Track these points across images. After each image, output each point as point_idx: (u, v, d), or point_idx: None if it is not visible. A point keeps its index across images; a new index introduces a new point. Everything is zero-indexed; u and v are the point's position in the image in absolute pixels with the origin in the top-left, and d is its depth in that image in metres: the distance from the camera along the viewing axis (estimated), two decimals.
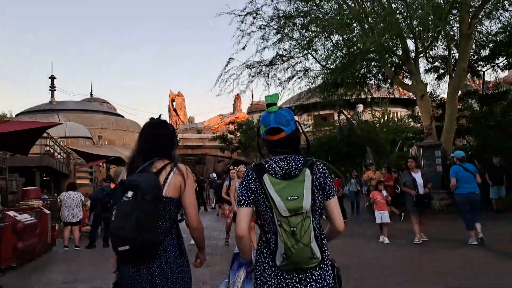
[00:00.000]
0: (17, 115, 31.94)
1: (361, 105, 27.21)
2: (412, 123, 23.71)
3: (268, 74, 17.45)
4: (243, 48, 16.68)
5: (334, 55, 14.65)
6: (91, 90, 41.35)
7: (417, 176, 8.03)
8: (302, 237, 1.84)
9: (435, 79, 15.52)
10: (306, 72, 17.02)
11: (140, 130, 2.49)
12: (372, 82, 17.16)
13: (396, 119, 24.81)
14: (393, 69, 14.70)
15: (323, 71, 16.27)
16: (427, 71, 15.64)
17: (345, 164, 23.23)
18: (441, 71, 15.61)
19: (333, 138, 22.93)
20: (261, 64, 17.13)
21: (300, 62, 16.93)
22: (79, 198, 10.09)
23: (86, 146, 22.76)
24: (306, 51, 15.85)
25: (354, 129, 19.13)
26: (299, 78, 17.22)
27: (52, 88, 32.14)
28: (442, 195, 11.87)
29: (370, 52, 13.45)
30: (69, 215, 9.82)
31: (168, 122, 2.53)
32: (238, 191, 2.05)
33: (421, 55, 14.44)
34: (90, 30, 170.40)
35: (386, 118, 23.48)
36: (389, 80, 16.17)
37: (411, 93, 22.22)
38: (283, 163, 2.03)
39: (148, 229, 2.05)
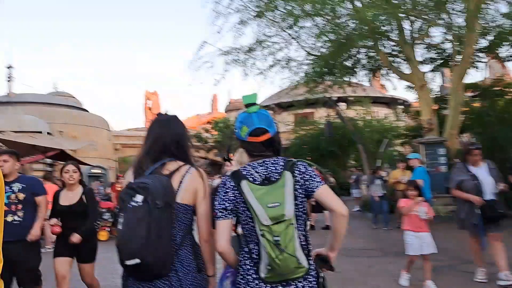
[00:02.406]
0: None
1: (344, 103, 25.84)
2: (396, 123, 22.69)
3: (246, 63, 15.57)
4: (218, 32, 14.89)
5: (320, 40, 12.93)
6: (54, 83, 38.70)
7: (481, 172, 5.02)
8: (287, 246, 1.74)
9: (433, 70, 13.81)
10: (289, 62, 15.24)
11: (148, 127, 2.18)
12: (361, 74, 15.39)
13: (378, 118, 23.56)
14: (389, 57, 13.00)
15: (308, 58, 14.53)
16: (421, 62, 13.96)
17: (328, 164, 21.72)
18: (438, 61, 13.96)
19: (315, 137, 21.37)
20: (239, 51, 15.23)
21: (282, 49, 15.14)
22: None
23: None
24: (289, 36, 14.10)
25: (345, 123, 17.41)
26: (281, 67, 15.43)
27: (9, 79, 29.69)
28: (447, 199, 10.18)
29: (362, 38, 11.80)
30: None
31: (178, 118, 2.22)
32: (215, 202, 1.92)
33: (419, 41, 12.80)
34: (61, 23, 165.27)
35: (370, 117, 22.20)
36: (380, 70, 14.49)
37: (392, 92, 21.25)
38: (261, 167, 1.93)
39: (160, 239, 1.81)
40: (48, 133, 23.40)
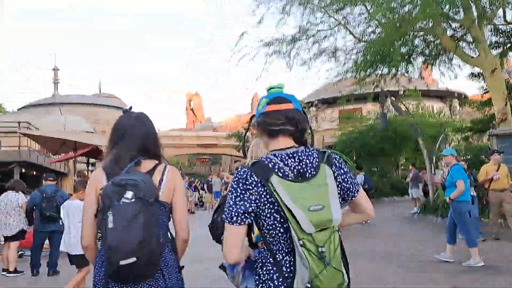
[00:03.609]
0: (19, 109, 30.48)
1: (393, 98, 24.20)
2: (453, 117, 20.90)
3: (290, 54, 14.55)
4: (259, 22, 14.00)
5: (373, 23, 11.72)
6: (100, 84, 39.75)
7: None
8: (332, 259, 1.44)
9: (502, 55, 12.11)
10: (336, 51, 14.08)
11: (117, 122, 2.07)
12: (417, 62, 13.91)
13: (432, 112, 21.81)
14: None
15: (357, 46, 13.30)
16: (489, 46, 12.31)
17: (378, 163, 20.28)
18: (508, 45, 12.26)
19: (363, 133, 19.95)
20: (281, 41, 14.23)
21: (327, 37, 14.01)
22: (16, 201, 7.05)
23: None
24: (336, 22, 12.97)
25: (403, 115, 15.91)
26: (327, 57, 14.29)
27: (56, 80, 30.51)
28: None
29: (424, 18, 10.45)
30: (2, 226, 6.98)
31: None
32: (230, 201, 1.54)
33: (486, 22, 11.25)
34: (103, 27, 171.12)
35: (421, 111, 20.48)
36: (440, 57, 12.97)
37: (447, 85, 19.49)
38: (292, 160, 1.58)
39: (152, 237, 1.74)
40: (90, 132, 23.49)
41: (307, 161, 1.58)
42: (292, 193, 1.46)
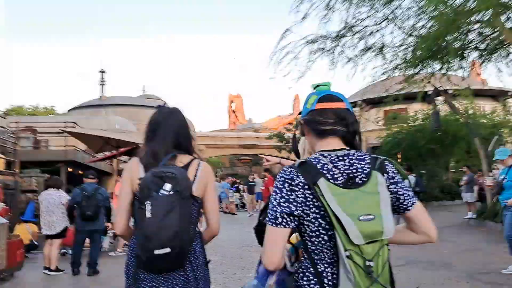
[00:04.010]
0: (69, 111, 31.75)
1: (441, 97, 23.04)
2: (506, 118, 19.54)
3: (334, 51, 14.06)
4: (303, 18, 13.60)
5: (425, 15, 11.04)
6: (144, 87, 40.80)
7: None
8: (380, 275, 1.30)
9: None
10: (384, 47, 13.45)
11: (151, 117, 2.14)
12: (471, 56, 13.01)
13: (484, 112, 20.56)
14: None
15: (406, 42, 12.63)
16: None
17: (427, 164, 19.26)
18: None
19: (411, 134, 19.06)
20: (326, 38, 13.76)
21: (374, 33, 13.42)
22: (59, 199, 6.93)
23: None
24: (384, 17, 12.37)
25: (458, 114, 14.98)
26: (374, 54, 13.68)
27: (102, 83, 31.56)
28: None
29: (477, 11, 9.72)
30: (46, 224, 6.93)
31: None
32: (274, 202, 1.44)
33: None
34: (147, 27, 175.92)
35: (473, 111, 19.30)
36: (500, 51, 12.03)
37: (499, 83, 18.23)
38: (342, 163, 1.45)
39: (185, 230, 1.81)
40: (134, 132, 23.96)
41: (358, 165, 1.45)
42: (340, 199, 1.33)
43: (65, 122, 15.65)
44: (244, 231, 10.65)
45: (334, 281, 1.35)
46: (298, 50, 13.91)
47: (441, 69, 12.26)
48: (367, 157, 1.48)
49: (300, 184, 1.41)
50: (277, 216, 1.42)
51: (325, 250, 1.40)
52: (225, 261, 7.29)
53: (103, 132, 11.26)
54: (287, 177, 1.44)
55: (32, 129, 16.38)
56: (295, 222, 1.42)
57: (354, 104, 28.52)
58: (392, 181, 1.48)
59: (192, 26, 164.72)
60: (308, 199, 1.40)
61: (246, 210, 19.57)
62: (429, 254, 7.40)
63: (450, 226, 11.17)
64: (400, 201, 1.49)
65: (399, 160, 18.22)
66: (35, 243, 8.70)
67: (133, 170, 2.00)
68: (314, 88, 1.63)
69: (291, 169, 1.46)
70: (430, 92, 14.91)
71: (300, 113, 1.64)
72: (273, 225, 1.42)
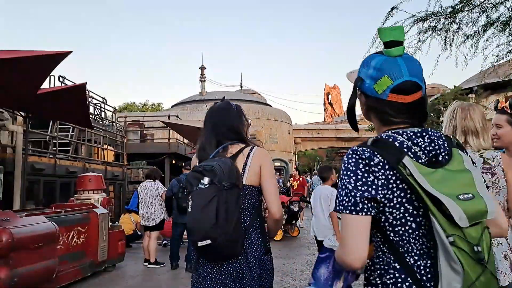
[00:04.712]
0: (172, 107, 33.50)
1: None
2: None
3: (449, 29, 12.44)
4: None
5: None
6: (241, 81, 41.59)
7: None
8: (488, 261, 1.12)
9: None
10: (510, 22, 11.52)
11: (207, 113, 2.27)
12: None
13: None
14: None
15: None
16: None
17: None
18: None
19: None
20: (438, 15, 12.22)
21: (497, 5, 11.54)
22: (156, 191, 6.79)
23: None
24: None
25: None
26: (497, 29, 11.80)
27: (202, 78, 32.72)
28: None
29: None
30: (145, 216, 6.86)
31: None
32: (349, 186, 1.23)
33: None
34: (243, 21, 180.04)
35: None
36: None
37: None
38: (421, 139, 1.28)
39: (228, 220, 1.82)
40: None
41: (439, 142, 1.28)
42: (431, 179, 1.14)
43: (168, 116, 16.23)
44: None
45: (428, 276, 1.17)
46: (405, 30, 12.67)
47: None
48: (442, 135, 1.32)
49: (380, 164, 1.23)
50: (357, 201, 1.21)
51: (412, 241, 1.22)
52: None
53: (197, 123, 11.30)
54: (361, 156, 1.25)
55: (139, 123, 17.33)
56: (376, 210, 1.23)
57: (470, 90, 25.63)
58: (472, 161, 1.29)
59: (289, 18, 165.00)
60: (391, 181, 1.21)
61: None
62: None
63: None
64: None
65: None
66: (139, 233, 8.91)
67: (193, 165, 2.13)
68: (384, 36, 1.32)
69: (364, 147, 1.26)
70: None
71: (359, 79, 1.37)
72: (353, 213, 1.21)
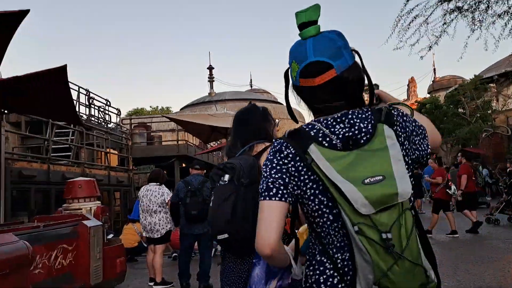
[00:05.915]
0: (181, 109, 32.94)
1: None
2: None
3: (475, 10, 11.37)
4: None
5: None
6: (251, 81, 40.98)
7: None
8: (405, 249, 1.06)
9: None
10: None
11: (235, 115, 2.39)
12: None
13: None
14: None
15: None
16: None
17: None
18: None
19: None
20: None
21: None
22: (162, 197, 5.75)
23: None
24: None
25: None
26: None
27: (211, 79, 32.19)
28: None
29: None
30: (146, 225, 5.83)
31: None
32: (265, 174, 1.26)
33: None
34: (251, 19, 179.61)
35: None
36: None
37: None
38: (340, 125, 1.24)
39: (245, 217, 1.82)
40: None
41: (362, 124, 1.21)
42: (339, 164, 1.12)
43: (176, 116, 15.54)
44: None
45: (348, 268, 1.14)
46: (429, 13, 11.61)
47: None
48: (369, 111, 1.25)
49: (290, 155, 1.22)
50: (270, 187, 1.21)
51: (332, 233, 1.18)
52: None
53: (209, 119, 10.45)
54: (275, 149, 1.27)
55: (145, 125, 16.58)
56: (292, 198, 1.22)
57: (491, 79, 24.33)
58: (404, 126, 1.22)
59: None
60: (302, 172, 1.20)
61: None
62: None
63: None
64: (417, 145, 1.27)
65: None
66: (145, 245, 7.96)
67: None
68: (298, 19, 1.26)
69: (280, 140, 1.28)
70: None
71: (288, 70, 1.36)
72: (266, 198, 1.21)
